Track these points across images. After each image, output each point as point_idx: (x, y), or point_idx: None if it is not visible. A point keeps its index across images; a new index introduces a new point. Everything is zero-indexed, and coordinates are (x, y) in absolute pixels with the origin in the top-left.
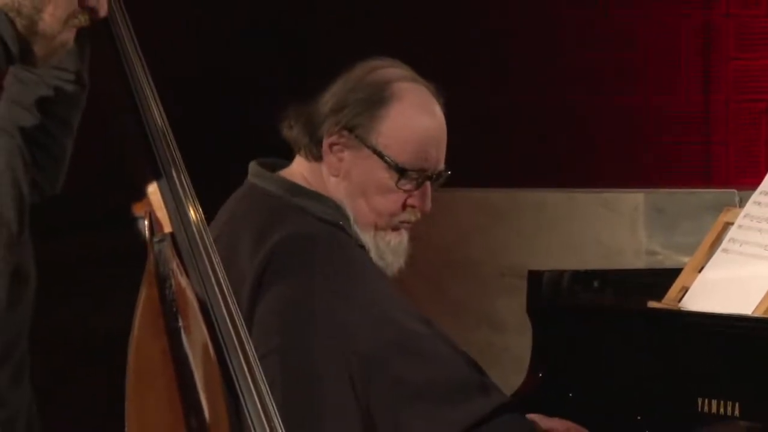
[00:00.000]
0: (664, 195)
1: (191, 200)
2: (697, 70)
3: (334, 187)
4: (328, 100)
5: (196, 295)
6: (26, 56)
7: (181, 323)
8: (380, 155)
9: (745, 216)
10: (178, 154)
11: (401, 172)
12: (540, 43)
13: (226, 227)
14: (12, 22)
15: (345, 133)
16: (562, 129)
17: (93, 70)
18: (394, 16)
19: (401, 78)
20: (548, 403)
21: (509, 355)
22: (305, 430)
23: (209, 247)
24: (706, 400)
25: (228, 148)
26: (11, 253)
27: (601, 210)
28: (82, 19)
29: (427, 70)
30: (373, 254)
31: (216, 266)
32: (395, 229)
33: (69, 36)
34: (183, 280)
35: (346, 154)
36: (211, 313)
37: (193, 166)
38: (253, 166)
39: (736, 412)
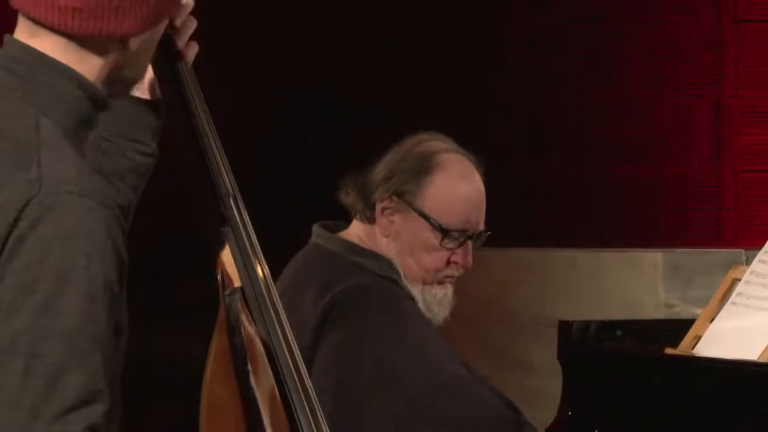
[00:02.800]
0: (680, 254)
1: (258, 258)
2: (709, 144)
3: (385, 246)
4: (380, 170)
5: (263, 342)
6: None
7: (249, 368)
8: (426, 218)
9: (751, 273)
10: (247, 217)
11: (445, 232)
12: (571, 119)
13: (292, 281)
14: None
15: (395, 198)
16: (590, 195)
17: (172, 142)
18: (441, 93)
19: (445, 150)
20: None
21: (542, 395)
22: None
23: (275, 299)
24: None
25: (292, 211)
26: (115, 311)
27: (624, 267)
28: None
29: (472, 147)
30: (421, 306)
31: (281, 316)
32: (440, 283)
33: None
34: (251, 329)
35: (396, 217)
36: (276, 358)
37: (262, 227)
38: (316, 228)
39: None
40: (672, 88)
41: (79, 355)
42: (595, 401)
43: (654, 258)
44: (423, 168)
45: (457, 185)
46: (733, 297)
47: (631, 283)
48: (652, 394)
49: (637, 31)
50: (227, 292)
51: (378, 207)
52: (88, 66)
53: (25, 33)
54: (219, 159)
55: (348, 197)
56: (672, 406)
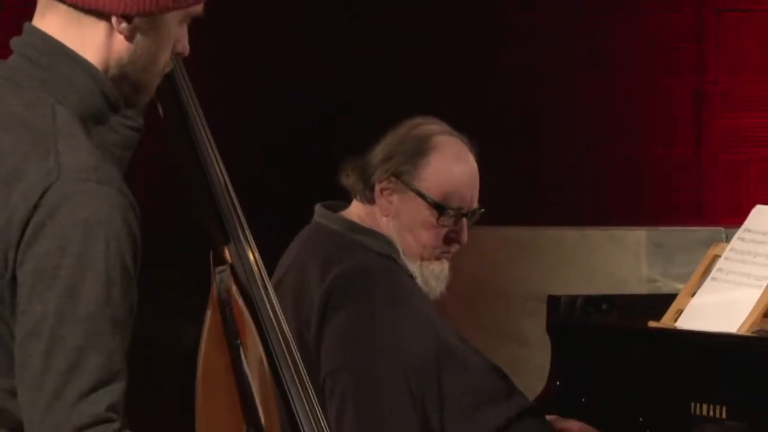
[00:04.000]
0: (662, 232)
1: (247, 237)
2: (690, 128)
3: (385, 225)
4: (378, 152)
5: (253, 316)
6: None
7: (239, 341)
8: (423, 197)
9: (730, 250)
10: (237, 204)
11: (441, 210)
12: (560, 106)
13: (295, 260)
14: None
15: (393, 179)
16: (578, 177)
17: (166, 127)
18: (440, 83)
19: (440, 132)
20: (564, 407)
21: (532, 366)
22: None
23: (264, 275)
24: (698, 404)
25: (297, 213)
26: (130, 293)
27: (610, 245)
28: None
29: (469, 130)
30: (419, 281)
31: (270, 292)
32: (437, 259)
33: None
34: (241, 304)
35: (395, 197)
36: (266, 332)
37: (268, 228)
38: (318, 207)
39: (724, 414)
40: (655, 74)
41: (99, 338)
42: (582, 372)
43: (638, 236)
44: (419, 150)
45: (452, 166)
46: (713, 273)
47: (616, 259)
48: (635, 364)
49: (622, 19)
50: (218, 269)
51: (377, 188)
52: (89, 46)
53: (38, 14)
54: (208, 145)
55: (348, 179)
56: (654, 376)
